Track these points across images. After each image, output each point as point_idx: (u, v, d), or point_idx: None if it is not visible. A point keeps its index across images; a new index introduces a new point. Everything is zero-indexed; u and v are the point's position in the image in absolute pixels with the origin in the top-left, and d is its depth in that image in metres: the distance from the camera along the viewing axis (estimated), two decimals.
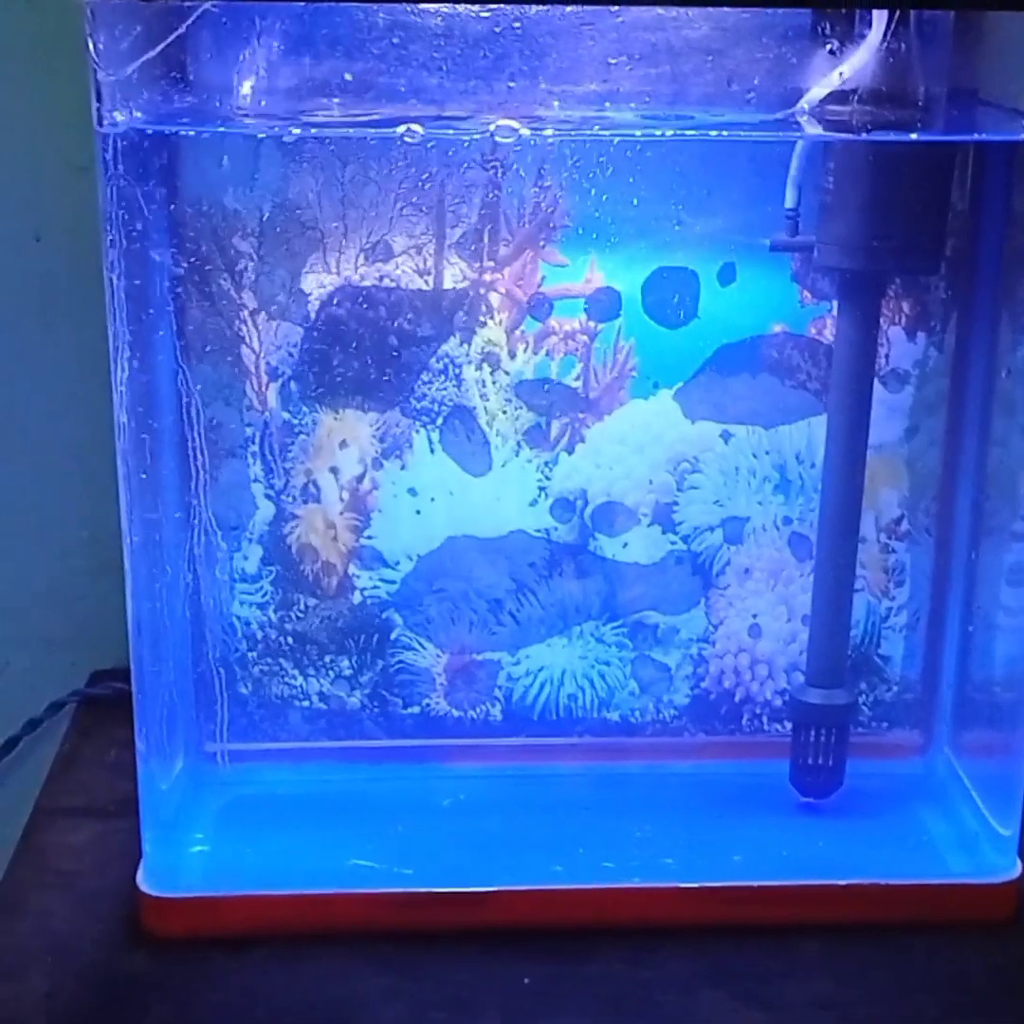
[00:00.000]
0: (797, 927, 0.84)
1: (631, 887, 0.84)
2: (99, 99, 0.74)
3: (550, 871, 0.86)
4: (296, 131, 0.80)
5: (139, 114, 0.76)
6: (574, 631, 0.94)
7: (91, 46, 0.73)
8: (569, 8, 0.74)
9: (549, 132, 0.80)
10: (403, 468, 0.91)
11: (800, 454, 0.92)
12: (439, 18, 0.75)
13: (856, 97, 0.77)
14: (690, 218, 0.86)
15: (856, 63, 0.76)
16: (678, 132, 0.79)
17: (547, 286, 0.88)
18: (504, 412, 0.90)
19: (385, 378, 0.89)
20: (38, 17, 0.96)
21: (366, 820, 0.91)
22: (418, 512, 0.92)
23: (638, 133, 0.80)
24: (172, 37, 0.73)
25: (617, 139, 0.82)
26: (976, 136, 0.84)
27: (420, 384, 0.90)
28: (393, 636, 0.94)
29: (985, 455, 0.90)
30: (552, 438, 0.91)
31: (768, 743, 0.95)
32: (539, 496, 0.92)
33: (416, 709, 0.95)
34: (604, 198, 0.85)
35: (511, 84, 0.77)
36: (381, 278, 0.87)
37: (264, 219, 0.86)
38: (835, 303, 0.88)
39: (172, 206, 0.84)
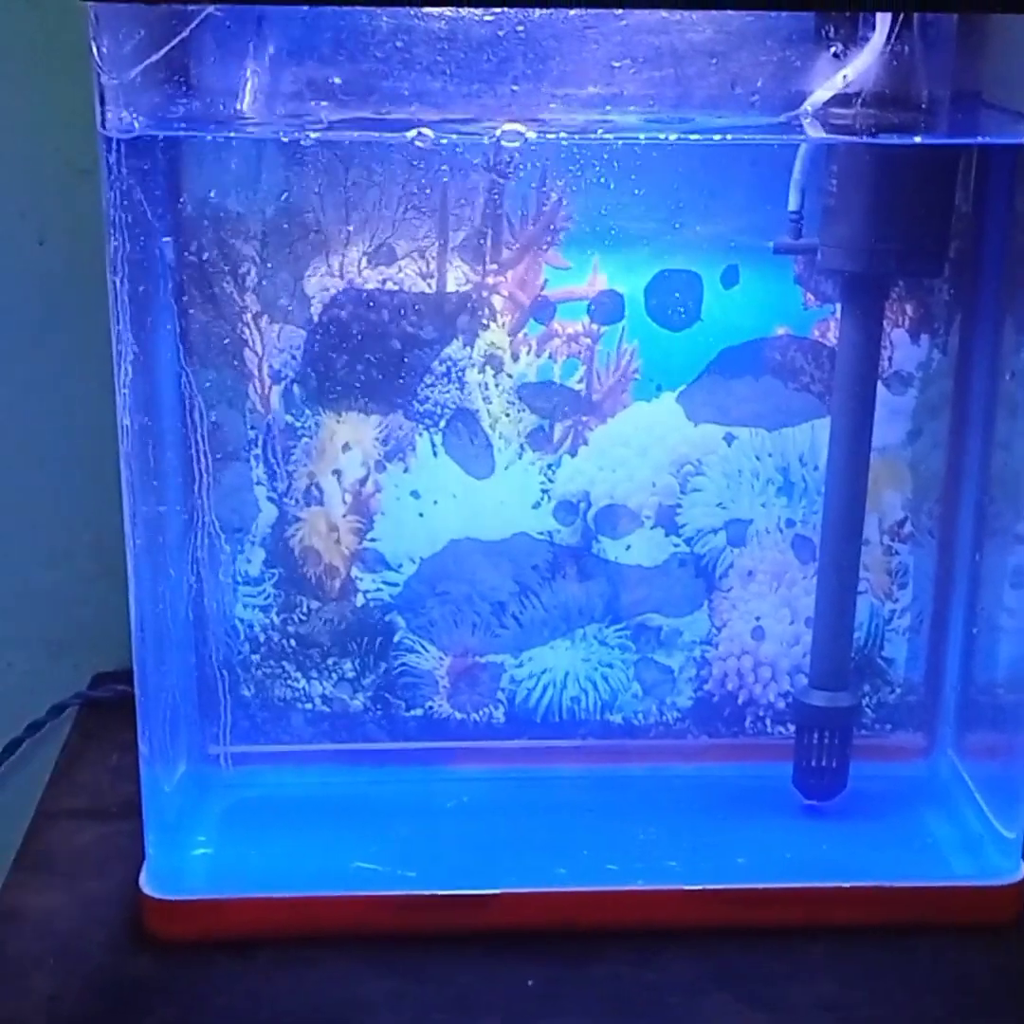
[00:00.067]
0: (801, 929, 0.84)
1: (634, 889, 0.84)
2: (102, 102, 0.74)
3: (553, 873, 0.86)
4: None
5: (142, 118, 0.76)
6: (577, 633, 0.94)
7: (94, 49, 0.72)
8: (573, 11, 0.74)
9: (553, 136, 0.80)
10: (406, 471, 0.91)
11: (803, 456, 0.92)
12: (443, 21, 0.75)
13: (859, 100, 0.77)
14: (693, 221, 0.86)
15: (860, 66, 0.76)
16: (682, 135, 0.79)
17: (550, 289, 0.88)
18: (507, 415, 0.90)
19: (388, 381, 0.89)
20: (39, 18, 0.96)
21: (369, 822, 0.91)
22: (421, 515, 0.92)
23: (641, 136, 0.80)
24: (175, 41, 0.73)
25: (620, 142, 0.82)
26: (979, 139, 0.84)
27: (423, 387, 0.90)
28: (396, 639, 0.94)
29: (988, 457, 0.90)
30: (555, 441, 0.91)
31: (771, 745, 0.95)
32: (542, 499, 0.92)
33: (419, 712, 0.95)
34: (607, 201, 0.85)
35: (515, 87, 0.77)
36: (384, 281, 0.87)
37: (267, 222, 0.86)
38: (838, 306, 0.88)
39: (175, 209, 0.84)
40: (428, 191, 0.85)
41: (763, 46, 0.76)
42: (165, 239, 0.83)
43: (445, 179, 0.85)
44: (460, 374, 0.89)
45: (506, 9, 0.75)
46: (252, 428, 0.90)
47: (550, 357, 0.90)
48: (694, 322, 0.89)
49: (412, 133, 0.77)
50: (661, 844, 0.89)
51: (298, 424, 0.90)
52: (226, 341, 0.88)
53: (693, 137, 0.79)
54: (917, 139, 0.79)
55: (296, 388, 0.89)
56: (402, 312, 0.88)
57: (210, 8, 0.73)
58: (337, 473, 0.91)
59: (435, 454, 0.91)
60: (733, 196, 0.86)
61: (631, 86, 0.77)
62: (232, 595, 0.92)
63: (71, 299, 1.01)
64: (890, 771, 0.95)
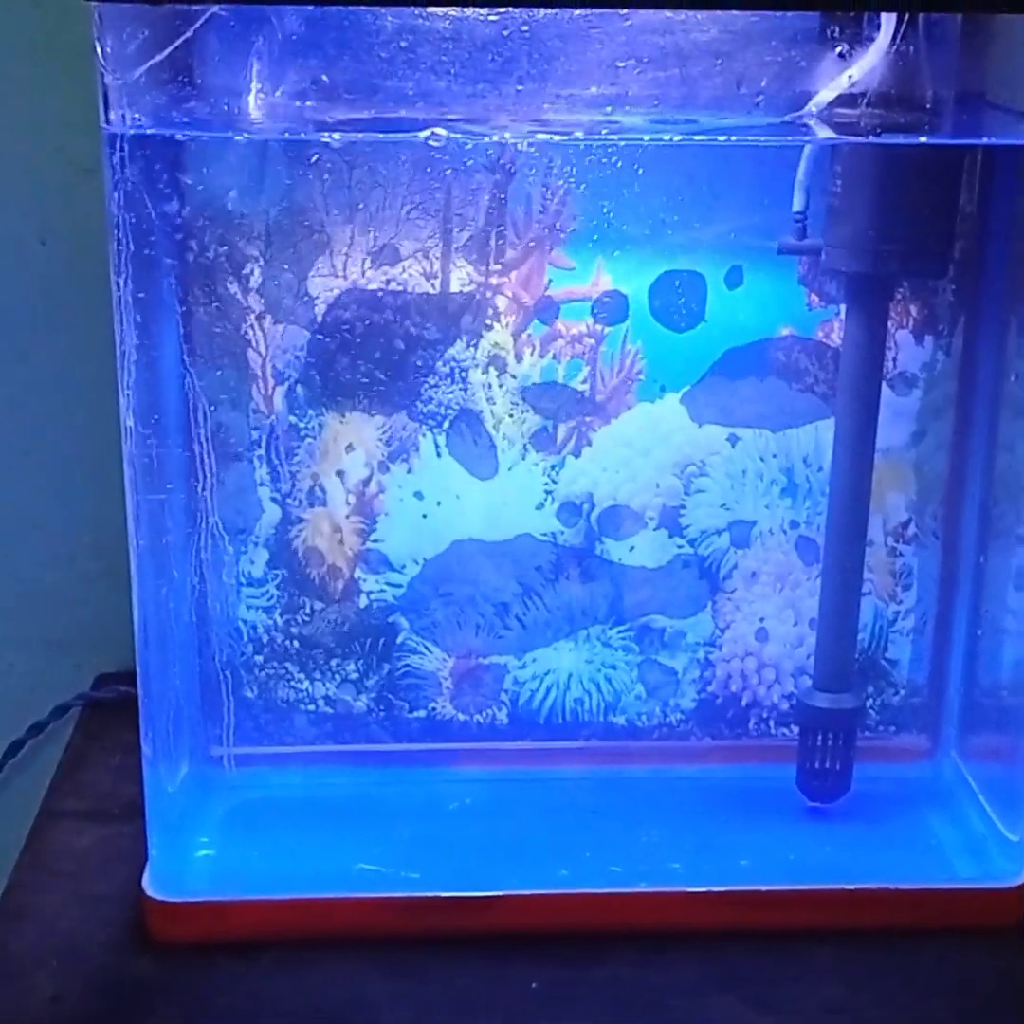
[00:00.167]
0: (805, 932, 0.83)
1: (638, 892, 0.84)
2: (106, 102, 0.74)
3: (557, 875, 0.86)
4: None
5: (146, 117, 0.76)
6: (580, 635, 0.94)
7: (99, 49, 0.72)
8: (577, 11, 0.74)
9: (557, 136, 0.79)
10: (409, 472, 0.91)
11: (808, 458, 0.92)
12: (447, 21, 0.75)
13: (864, 100, 0.77)
14: (697, 221, 0.86)
15: (864, 66, 0.76)
16: (686, 136, 0.79)
17: (554, 289, 0.88)
18: (511, 415, 0.90)
19: (391, 381, 0.89)
20: (42, 17, 0.96)
21: (372, 824, 0.90)
22: (424, 516, 0.92)
23: (646, 137, 0.80)
24: (180, 40, 0.73)
25: (624, 142, 0.82)
26: (984, 139, 0.84)
27: (426, 387, 0.89)
28: (399, 640, 0.94)
29: (992, 459, 0.90)
30: (559, 441, 0.91)
31: (775, 747, 0.95)
32: (546, 500, 0.92)
33: (422, 713, 0.95)
34: (611, 201, 0.85)
35: (519, 87, 0.76)
36: (388, 281, 0.87)
37: (271, 222, 0.86)
38: (843, 306, 0.88)
39: (178, 209, 0.84)
40: (432, 191, 0.85)
41: (768, 46, 0.76)
42: (168, 239, 0.83)
43: (449, 179, 0.85)
44: (464, 375, 0.89)
45: (511, 9, 0.74)
46: (255, 429, 0.90)
47: (554, 358, 0.89)
48: (698, 323, 0.89)
49: (425, 133, 0.77)
50: (664, 846, 0.89)
51: (301, 425, 0.90)
52: (229, 341, 0.88)
53: (697, 137, 0.79)
54: (922, 139, 0.78)
55: (300, 388, 0.89)
56: (406, 312, 0.88)
57: (214, 8, 0.73)
58: (341, 474, 0.91)
59: (439, 455, 0.91)
60: (737, 196, 0.86)
61: (635, 86, 0.77)
62: (235, 596, 0.92)
63: (73, 299, 1.01)
64: (894, 773, 0.95)
